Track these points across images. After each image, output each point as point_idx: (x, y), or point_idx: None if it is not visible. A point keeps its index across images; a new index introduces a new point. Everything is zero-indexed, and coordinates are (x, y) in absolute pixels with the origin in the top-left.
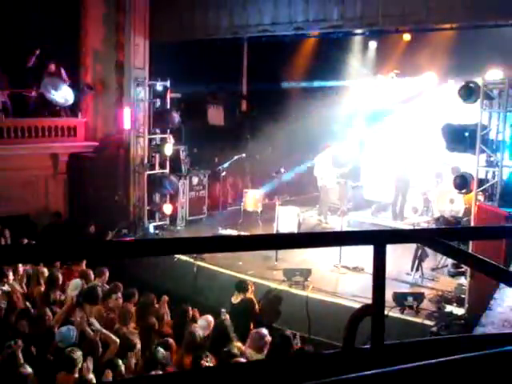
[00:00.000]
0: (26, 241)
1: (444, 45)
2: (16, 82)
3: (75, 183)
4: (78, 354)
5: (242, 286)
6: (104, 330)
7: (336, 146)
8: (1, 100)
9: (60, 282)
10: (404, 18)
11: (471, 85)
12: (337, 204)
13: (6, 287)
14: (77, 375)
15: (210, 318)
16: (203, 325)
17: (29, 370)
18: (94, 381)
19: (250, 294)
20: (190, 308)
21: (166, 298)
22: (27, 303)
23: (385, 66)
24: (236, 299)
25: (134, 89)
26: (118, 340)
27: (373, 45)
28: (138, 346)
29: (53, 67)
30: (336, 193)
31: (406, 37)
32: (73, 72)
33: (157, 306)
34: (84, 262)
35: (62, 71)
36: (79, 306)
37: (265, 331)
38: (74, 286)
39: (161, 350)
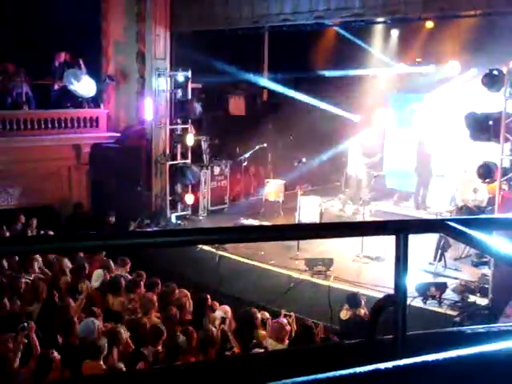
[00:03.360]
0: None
1: (467, 32)
2: (39, 73)
3: (98, 174)
4: (103, 342)
5: (353, 301)
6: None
7: (364, 135)
8: (24, 91)
9: (86, 272)
10: (427, 4)
11: (495, 72)
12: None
13: (32, 277)
14: (102, 362)
15: (227, 308)
16: (221, 315)
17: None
18: (124, 369)
19: (362, 309)
20: (209, 296)
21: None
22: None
23: (407, 54)
24: (346, 315)
25: (156, 79)
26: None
27: (395, 33)
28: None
29: (63, 56)
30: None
31: (429, 24)
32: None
33: (178, 294)
34: (102, 253)
35: (81, 62)
36: (102, 296)
37: (285, 320)
38: (97, 276)
39: (181, 335)
